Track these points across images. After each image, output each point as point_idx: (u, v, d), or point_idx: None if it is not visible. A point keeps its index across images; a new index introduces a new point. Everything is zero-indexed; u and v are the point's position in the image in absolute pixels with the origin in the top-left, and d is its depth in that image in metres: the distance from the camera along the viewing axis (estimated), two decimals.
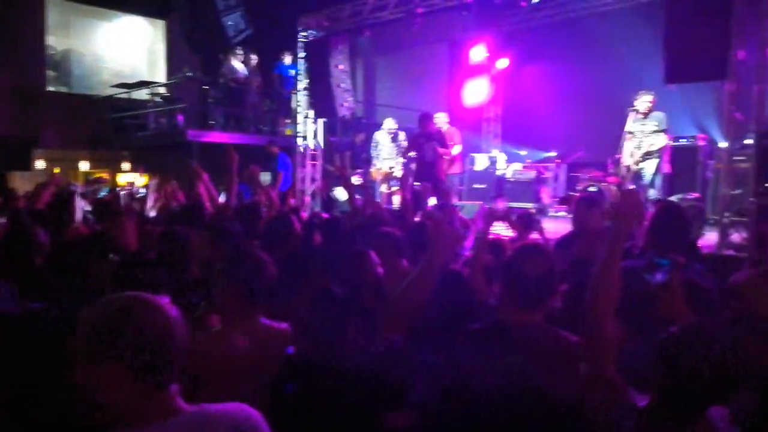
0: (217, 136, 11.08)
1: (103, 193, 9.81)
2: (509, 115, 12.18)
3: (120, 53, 15.40)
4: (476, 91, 11.49)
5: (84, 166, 14.06)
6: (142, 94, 12.84)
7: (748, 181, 5.99)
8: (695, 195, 7.52)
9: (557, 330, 2.10)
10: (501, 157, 11.14)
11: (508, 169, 10.78)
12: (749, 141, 6.07)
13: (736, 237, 6.09)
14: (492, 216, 3.43)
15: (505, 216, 3.65)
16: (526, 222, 4.82)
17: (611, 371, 1.72)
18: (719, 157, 7.23)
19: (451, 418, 1.89)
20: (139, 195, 7.62)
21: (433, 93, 12.11)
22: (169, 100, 12.23)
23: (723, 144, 7.11)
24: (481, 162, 11.04)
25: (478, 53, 11.06)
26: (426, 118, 8.08)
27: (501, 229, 4.51)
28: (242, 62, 11.43)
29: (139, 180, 13.69)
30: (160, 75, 15.16)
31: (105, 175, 14.20)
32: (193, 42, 10.73)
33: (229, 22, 10.49)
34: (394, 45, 12.53)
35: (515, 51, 11.43)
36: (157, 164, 13.61)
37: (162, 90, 12.75)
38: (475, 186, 10.81)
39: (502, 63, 11.51)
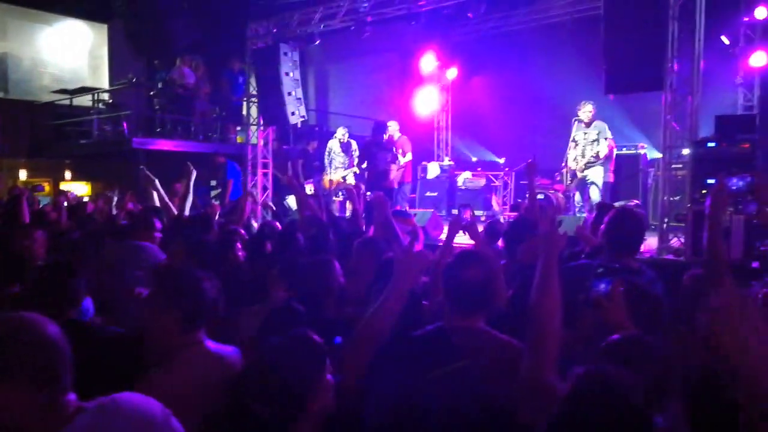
0: (164, 144, 10.79)
1: (44, 203, 9.40)
2: (459, 124, 12.36)
3: (60, 58, 14.82)
4: (427, 100, 11.61)
5: (23, 174, 13.45)
6: (85, 100, 12.39)
7: (686, 188, 6.26)
8: (636, 202, 7.79)
9: (498, 335, 2.09)
10: (452, 166, 11.28)
11: (459, 177, 10.93)
12: (686, 150, 6.35)
13: (675, 242, 6.34)
14: (458, 225, 3.45)
15: (469, 226, 3.66)
16: (493, 230, 4.89)
17: (549, 377, 1.73)
18: (659, 165, 7.52)
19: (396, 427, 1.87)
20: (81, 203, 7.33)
21: (385, 101, 12.16)
22: (113, 107, 11.84)
23: (658, 154, 7.42)
24: (432, 170, 11.15)
25: (427, 63, 11.19)
26: (380, 128, 8.10)
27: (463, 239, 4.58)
28: (191, 68, 11.20)
29: (82, 189, 13.21)
30: (103, 81, 14.67)
31: (46, 185, 13.62)
32: (138, 47, 10.43)
33: (176, 28, 10.24)
34: (346, 53, 12.53)
35: (464, 61, 11.62)
36: (101, 173, 13.16)
37: (105, 96, 12.34)
38: (428, 194, 10.91)
39: (452, 72, 11.68)
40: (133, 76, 11.40)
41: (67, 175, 13.73)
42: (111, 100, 12.11)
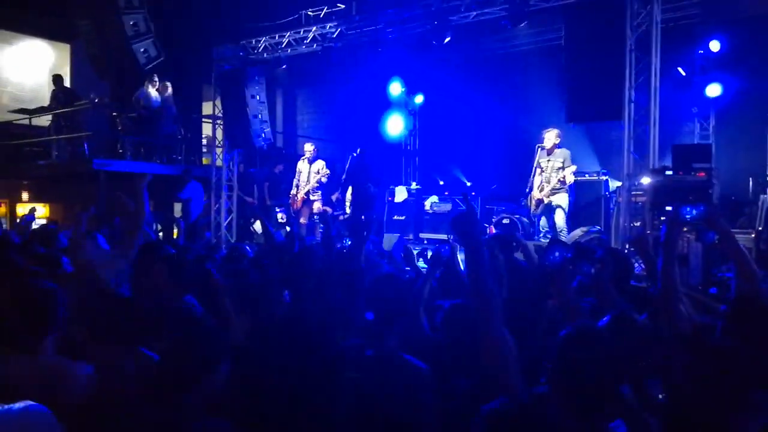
0: (126, 166, 10.57)
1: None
2: (426, 148, 12.45)
3: (21, 77, 14.48)
4: (395, 125, 11.67)
5: None
6: (45, 120, 12.08)
7: (645, 214, 6.39)
8: (597, 228, 7.90)
9: (404, 356, 2.24)
10: (419, 189, 11.33)
11: (427, 202, 10.96)
12: (646, 177, 6.50)
13: (637, 267, 6.42)
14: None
15: None
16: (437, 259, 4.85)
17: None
18: (620, 192, 7.67)
19: None
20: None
21: (353, 125, 12.18)
22: (74, 128, 11.57)
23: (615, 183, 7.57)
24: (400, 194, 11.14)
25: (395, 88, 11.27)
26: (366, 152, 7.94)
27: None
28: (157, 90, 11.06)
29: (40, 210, 12.80)
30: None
31: (1, 207, 13.17)
32: (101, 67, 10.27)
33: (141, 49, 10.14)
34: (313, 77, 12.54)
35: (431, 86, 11.75)
36: (60, 194, 12.79)
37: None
38: (396, 218, 10.89)
39: (419, 98, 11.80)
40: (95, 97, 11.17)
41: (24, 196, 13.30)
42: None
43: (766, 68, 8.64)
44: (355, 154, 7.77)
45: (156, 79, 10.95)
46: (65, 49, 14.80)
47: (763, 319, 2.43)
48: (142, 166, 10.77)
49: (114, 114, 11.17)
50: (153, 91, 10.95)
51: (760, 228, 7.05)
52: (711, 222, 2.91)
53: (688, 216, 2.83)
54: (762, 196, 7.34)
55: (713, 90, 9.18)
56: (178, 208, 11.16)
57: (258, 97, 9.34)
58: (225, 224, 10.24)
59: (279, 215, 10.00)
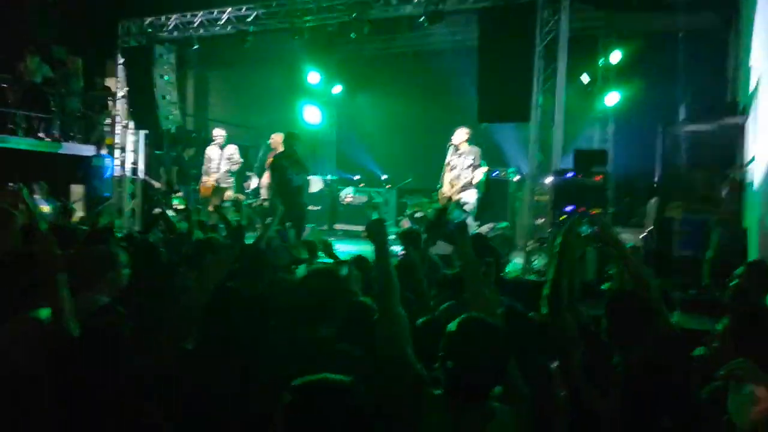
0: (18, 143, 9.74)
1: None
2: (343, 139, 12.43)
3: None
4: (312, 114, 11.55)
5: None
6: None
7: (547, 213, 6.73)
8: (505, 224, 8.23)
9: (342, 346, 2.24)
10: (335, 180, 11.30)
11: (342, 193, 10.95)
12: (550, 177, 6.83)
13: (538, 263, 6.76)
14: None
15: None
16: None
17: None
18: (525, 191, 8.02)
19: None
20: None
21: (268, 112, 11.91)
22: None
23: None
24: (316, 185, 11.05)
25: (313, 77, 11.14)
26: (294, 138, 7.56)
27: None
28: (52, 61, 10.24)
29: None
30: None
31: None
32: None
33: (35, 15, 9.35)
34: (228, 60, 12.11)
35: (349, 77, 11.74)
36: None
37: None
38: (311, 208, 10.79)
39: (337, 88, 11.74)
40: None
41: None
42: None
43: (659, 79, 9.35)
44: (270, 142, 7.51)
45: (48, 49, 10.12)
46: None
47: (641, 314, 2.65)
48: (36, 144, 9.99)
49: (4, 86, 10.25)
50: (35, 62, 10.08)
51: (649, 229, 7.63)
52: (605, 242, 3.12)
53: (583, 234, 3.03)
54: (651, 200, 7.93)
55: (612, 98, 9.81)
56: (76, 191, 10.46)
57: (166, 77, 8.90)
58: (128, 209, 9.70)
59: (178, 198, 9.53)
